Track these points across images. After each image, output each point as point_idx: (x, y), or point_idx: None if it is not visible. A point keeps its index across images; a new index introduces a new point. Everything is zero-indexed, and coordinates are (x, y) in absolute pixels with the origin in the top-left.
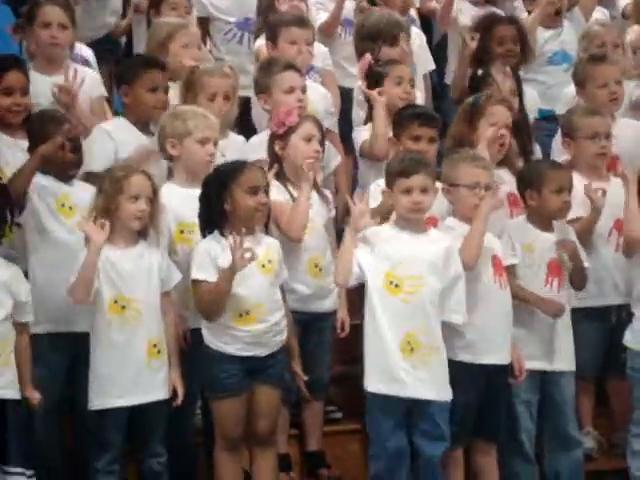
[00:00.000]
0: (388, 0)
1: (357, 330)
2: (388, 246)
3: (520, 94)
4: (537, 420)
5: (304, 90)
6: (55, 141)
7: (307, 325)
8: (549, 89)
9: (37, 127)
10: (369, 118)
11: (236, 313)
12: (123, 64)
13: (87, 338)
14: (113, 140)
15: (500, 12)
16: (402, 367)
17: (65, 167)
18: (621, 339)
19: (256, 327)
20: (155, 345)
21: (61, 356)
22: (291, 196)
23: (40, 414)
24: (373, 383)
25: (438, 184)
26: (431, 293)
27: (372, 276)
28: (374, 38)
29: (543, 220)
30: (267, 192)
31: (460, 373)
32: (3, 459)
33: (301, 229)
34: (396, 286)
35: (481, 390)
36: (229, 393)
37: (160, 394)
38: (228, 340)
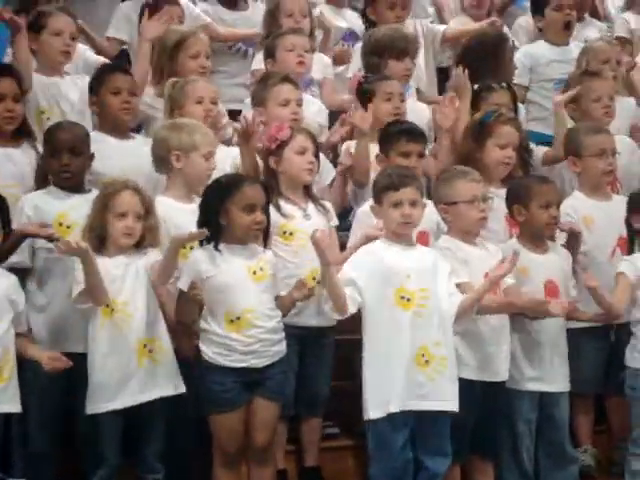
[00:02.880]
0: (382, 17)
1: (355, 346)
2: (389, 262)
3: (516, 108)
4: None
5: (300, 103)
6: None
7: (305, 340)
8: (552, 115)
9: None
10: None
11: (227, 319)
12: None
13: (85, 355)
14: None
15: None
16: (418, 380)
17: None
18: (620, 356)
19: (247, 333)
20: (145, 345)
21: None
22: (282, 214)
23: (36, 427)
24: (382, 406)
25: (428, 201)
26: (439, 302)
27: (378, 296)
28: (380, 52)
29: (534, 239)
30: (266, 209)
31: (459, 390)
32: (7, 471)
33: None
34: (408, 300)
35: (479, 407)
36: (226, 407)
37: (154, 393)
38: (222, 351)
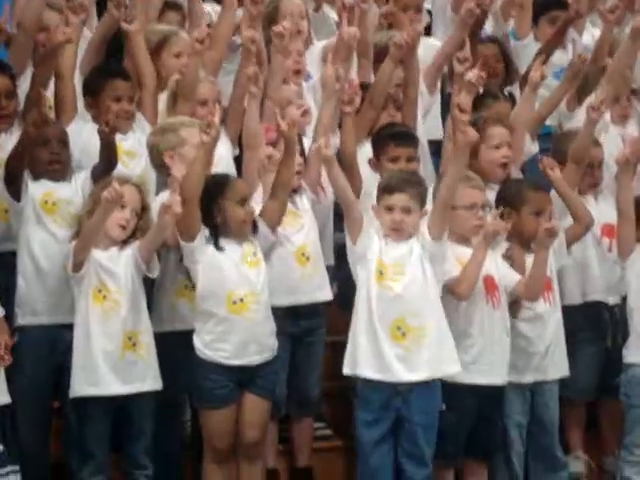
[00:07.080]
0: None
1: (344, 347)
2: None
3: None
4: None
5: (300, 97)
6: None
7: (297, 340)
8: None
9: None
10: None
11: (230, 299)
12: (88, 75)
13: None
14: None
15: None
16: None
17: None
18: (616, 361)
19: (248, 316)
20: (130, 338)
21: (47, 363)
22: None
23: (26, 422)
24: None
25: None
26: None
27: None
28: None
29: (522, 242)
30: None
31: (454, 393)
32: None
33: None
34: (381, 273)
35: (474, 410)
36: (219, 404)
37: (135, 387)
38: (218, 346)
